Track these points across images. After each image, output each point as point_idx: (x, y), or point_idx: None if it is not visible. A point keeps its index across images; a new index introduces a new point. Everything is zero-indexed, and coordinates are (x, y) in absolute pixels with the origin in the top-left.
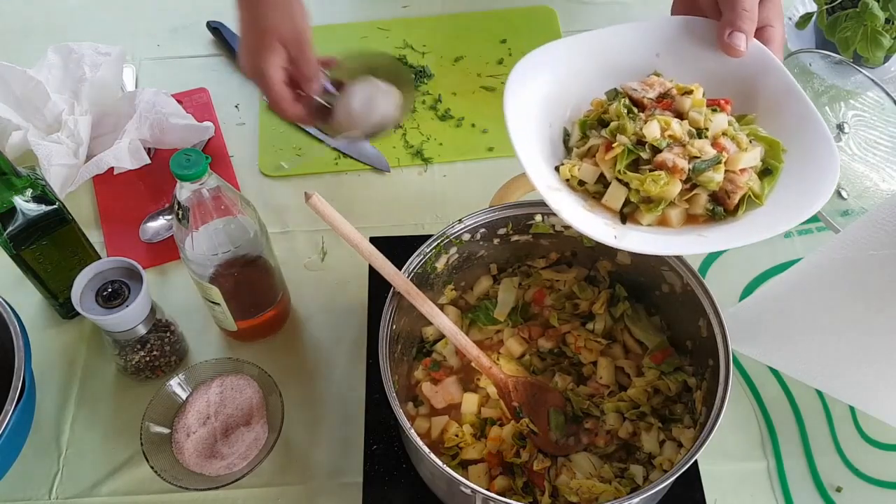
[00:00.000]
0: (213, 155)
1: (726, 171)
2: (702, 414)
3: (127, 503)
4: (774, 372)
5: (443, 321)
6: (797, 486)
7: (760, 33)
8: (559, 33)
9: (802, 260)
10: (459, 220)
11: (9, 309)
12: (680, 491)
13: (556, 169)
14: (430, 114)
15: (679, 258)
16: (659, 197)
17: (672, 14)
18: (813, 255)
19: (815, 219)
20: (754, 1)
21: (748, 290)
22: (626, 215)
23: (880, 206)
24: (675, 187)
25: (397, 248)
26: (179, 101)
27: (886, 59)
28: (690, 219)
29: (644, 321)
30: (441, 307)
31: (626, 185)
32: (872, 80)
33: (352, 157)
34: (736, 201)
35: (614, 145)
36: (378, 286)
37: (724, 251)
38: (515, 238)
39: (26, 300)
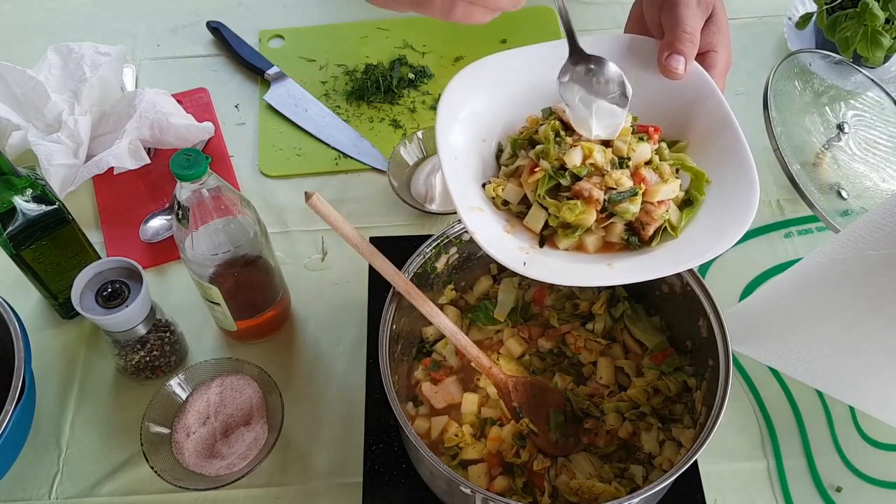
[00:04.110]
0: (213, 155)
1: (644, 202)
2: (702, 414)
3: (127, 503)
4: (774, 372)
5: (443, 321)
6: (797, 486)
7: (703, 58)
8: (559, 33)
9: (802, 260)
10: (459, 219)
11: (9, 309)
12: (680, 491)
13: (483, 186)
14: (431, 114)
15: None
16: (576, 224)
17: (624, 33)
18: (813, 255)
19: (814, 218)
20: (697, 24)
21: (748, 290)
22: (546, 238)
23: (880, 206)
24: (591, 216)
25: (397, 248)
26: (179, 101)
27: (886, 59)
28: (607, 245)
29: (644, 321)
30: (441, 307)
31: (547, 209)
32: (872, 80)
33: (352, 157)
34: (651, 232)
35: (537, 169)
36: (378, 286)
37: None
38: None
39: (26, 300)
